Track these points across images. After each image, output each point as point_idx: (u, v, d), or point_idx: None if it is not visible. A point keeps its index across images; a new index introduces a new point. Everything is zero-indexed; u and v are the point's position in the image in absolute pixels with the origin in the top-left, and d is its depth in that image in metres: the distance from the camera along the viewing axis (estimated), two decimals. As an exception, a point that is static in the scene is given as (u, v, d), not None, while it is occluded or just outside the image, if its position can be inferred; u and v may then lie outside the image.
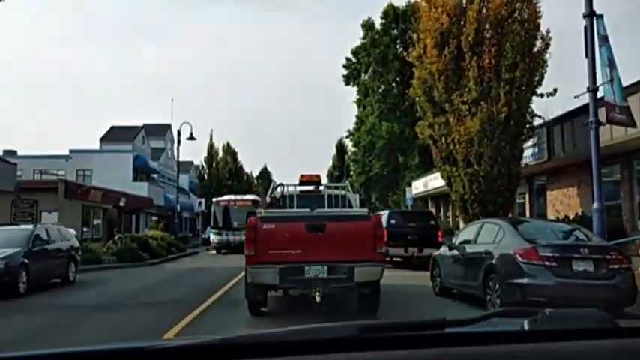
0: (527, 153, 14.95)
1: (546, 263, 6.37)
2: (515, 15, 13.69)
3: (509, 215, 15.64)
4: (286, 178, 78.56)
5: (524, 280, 6.45)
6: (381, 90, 40.45)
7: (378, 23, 40.23)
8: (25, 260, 10.46)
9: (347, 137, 43.74)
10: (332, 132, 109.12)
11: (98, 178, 34.59)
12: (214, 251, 25.92)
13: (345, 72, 42.96)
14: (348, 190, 9.28)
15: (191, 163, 52.80)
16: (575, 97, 10.01)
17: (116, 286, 11.81)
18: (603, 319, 1.19)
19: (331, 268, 6.68)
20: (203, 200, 37.82)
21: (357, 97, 42.78)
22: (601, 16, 9.62)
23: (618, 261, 6.54)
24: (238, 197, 28.35)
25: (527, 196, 18.77)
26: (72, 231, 17.10)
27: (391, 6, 40.15)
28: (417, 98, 15.17)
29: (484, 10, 13.59)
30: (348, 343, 1.02)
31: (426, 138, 14.92)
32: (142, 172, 40.76)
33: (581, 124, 13.26)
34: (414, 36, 15.84)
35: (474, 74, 13.31)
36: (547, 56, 13.72)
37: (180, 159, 33.51)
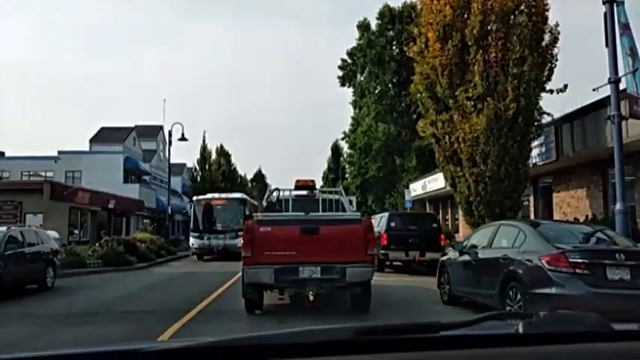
0: (533, 153, 14.22)
1: (577, 271, 5.61)
2: (522, 7, 12.99)
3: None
4: (281, 181, 77.75)
5: (552, 290, 5.67)
6: (377, 91, 39.78)
7: (373, 24, 39.56)
8: (-4, 265, 9.60)
9: (342, 139, 43.00)
10: (327, 134, 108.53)
11: (88, 180, 33.63)
12: (196, 257, 22.47)
13: (340, 73, 42.36)
14: (342, 195, 9.63)
15: (184, 165, 51.90)
16: (593, 90, 9.28)
17: (95, 294, 10.93)
18: (598, 322, 1.21)
19: (324, 268, 6.99)
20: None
21: (353, 98, 42.08)
22: (622, 3, 8.93)
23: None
24: (223, 195, 24.86)
25: (531, 198, 18.05)
26: (53, 233, 16.20)
27: (387, 7, 39.49)
28: (419, 95, 14.43)
29: (490, 2, 12.87)
30: (343, 346, 1.02)
31: (427, 137, 14.17)
32: (132, 173, 39.81)
33: (593, 121, 12.59)
34: (415, 30, 15.10)
35: (480, 69, 12.59)
36: (556, 51, 13.03)
37: (173, 161, 32.62)
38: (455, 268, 8.07)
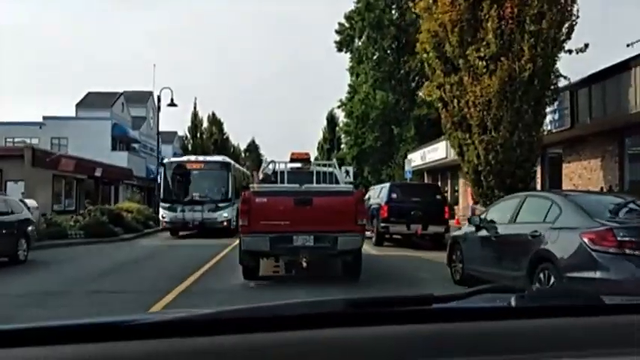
0: (545, 120, 13.20)
1: (626, 251, 4.68)
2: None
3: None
4: (274, 151, 76.52)
5: (596, 274, 4.74)
6: (375, 57, 38.32)
7: (373, -14, 37.74)
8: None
9: (339, 107, 41.71)
10: (322, 103, 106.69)
11: (74, 147, 32.38)
12: (169, 234, 18.45)
13: (337, 38, 40.73)
14: (335, 167, 10.01)
15: (175, 133, 50.53)
16: (628, 46, 8.18)
17: (71, 268, 10.00)
18: (590, 296, 1.30)
19: (317, 237, 7.37)
20: None
21: (350, 64, 40.61)
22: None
23: None
24: (201, 158, 20.52)
25: (538, 169, 17.10)
26: (32, 202, 15.15)
27: (387, -32, 37.65)
28: (424, 55, 13.26)
29: (505, -48, 11.58)
30: (332, 319, 1.01)
31: (434, 101, 13.08)
32: (121, 141, 38.51)
33: (615, 85, 11.54)
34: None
35: (494, 25, 11.42)
36: (576, 7, 11.85)
37: (164, 129, 31.37)
38: (470, 245, 7.15)
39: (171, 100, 28.90)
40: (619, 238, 4.73)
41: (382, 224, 13.52)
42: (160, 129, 30.52)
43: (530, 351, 0.96)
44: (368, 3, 37.49)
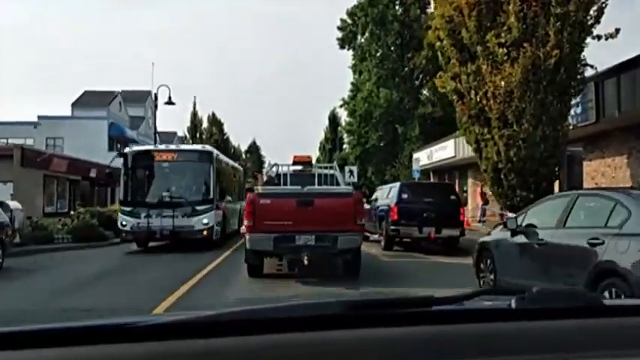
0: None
1: None
2: None
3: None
4: (276, 153, 75.58)
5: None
6: (378, 54, 37.29)
7: (376, -19, 36.71)
8: None
9: (341, 106, 40.65)
10: (323, 103, 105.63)
11: (70, 147, 31.39)
12: (135, 246, 13.73)
13: (339, 35, 39.71)
14: (336, 169, 10.34)
15: (174, 133, 49.51)
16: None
17: (45, 278, 8.97)
18: (590, 298, 1.28)
19: (318, 237, 7.68)
20: None
21: (353, 62, 39.59)
22: None
23: None
24: (173, 146, 16.32)
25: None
26: (15, 204, 14.11)
27: (391, -37, 36.64)
28: (438, 43, 12.23)
29: None
30: (331, 321, 1.00)
31: (449, 92, 12.02)
32: (118, 141, 37.45)
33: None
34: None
35: (516, 8, 10.40)
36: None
37: (163, 129, 30.35)
38: (504, 253, 6.10)
39: (169, 97, 27.77)
40: None
41: (392, 227, 12.47)
42: (160, 129, 29.47)
43: (531, 353, 0.96)
44: (371, -2, 36.55)
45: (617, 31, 10.84)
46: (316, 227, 7.67)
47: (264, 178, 10.53)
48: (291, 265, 8.81)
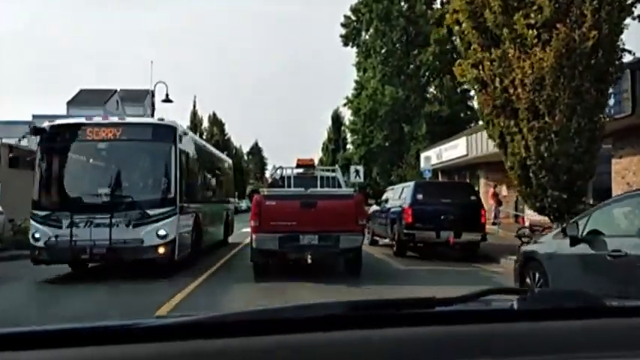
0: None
1: None
2: None
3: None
4: (278, 154, 74.46)
5: None
6: (383, 51, 36.19)
7: (381, -25, 35.57)
8: None
9: (345, 105, 39.48)
10: (325, 103, 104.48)
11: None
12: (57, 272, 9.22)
13: (343, 32, 38.61)
14: (338, 172, 10.80)
15: (174, 133, 48.51)
16: None
17: (5, 291, 7.80)
18: (592, 298, 1.26)
19: (321, 236, 8.07)
20: None
21: (357, 59, 38.50)
22: None
23: None
24: (116, 119, 10.04)
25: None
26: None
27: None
28: (457, 27, 11.05)
29: None
30: (334, 321, 1.00)
31: (470, 82, 10.84)
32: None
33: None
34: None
35: (547, -15, 9.23)
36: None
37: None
38: (561, 266, 4.93)
39: (167, 95, 26.70)
40: None
41: (406, 231, 11.30)
42: (156, 128, 28.33)
43: (532, 353, 0.96)
44: (375, -7, 35.44)
45: (661, 10, 9.65)
46: (319, 227, 8.05)
47: (269, 180, 11.12)
48: (295, 264, 9.01)
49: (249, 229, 8.84)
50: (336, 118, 52.01)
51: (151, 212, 8.71)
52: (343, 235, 8.06)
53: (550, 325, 1.03)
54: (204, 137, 45.81)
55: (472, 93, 10.86)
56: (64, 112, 36.16)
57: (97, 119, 9.77)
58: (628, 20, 9.66)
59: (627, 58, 10.38)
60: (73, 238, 8.42)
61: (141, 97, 41.99)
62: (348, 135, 42.82)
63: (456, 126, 31.11)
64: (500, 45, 9.94)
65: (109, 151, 9.25)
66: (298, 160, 10.36)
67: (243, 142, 74.43)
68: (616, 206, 4.90)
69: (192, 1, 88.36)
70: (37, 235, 8.73)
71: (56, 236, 8.50)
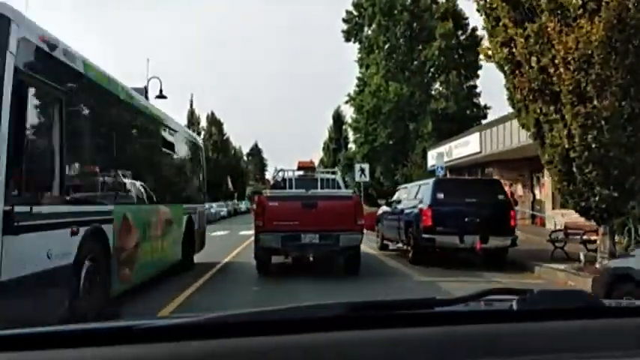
0: None
1: None
2: None
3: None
4: (278, 155, 73.09)
5: None
6: (387, 46, 34.81)
7: (384, -32, 34.18)
8: None
9: (347, 102, 38.05)
10: (326, 103, 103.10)
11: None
12: None
13: (345, 27, 37.24)
14: (337, 174, 11.38)
15: (171, 133, 47.17)
16: None
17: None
18: (590, 299, 1.25)
19: (322, 235, 8.50)
20: None
21: (359, 55, 37.08)
22: None
23: None
24: None
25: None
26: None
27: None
28: (482, 2, 9.62)
29: None
30: (334, 322, 1.00)
31: (499, 63, 9.39)
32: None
33: None
34: None
35: (594, -54, 7.82)
36: None
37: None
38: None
39: (160, 91, 25.25)
40: None
41: (425, 235, 9.87)
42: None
43: (532, 354, 0.96)
44: (378, -14, 34.06)
45: None
46: (320, 227, 8.41)
47: (271, 182, 11.82)
48: (296, 261, 9.65)
49: (248, 232, 9.91)
50: (338, 117, 50.72)
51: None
52: (343, 234, 8.43)
53: (550, 325, 1.03)
54: (202, 137, 44.52)
55: (501, 75, 9.37)
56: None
57: None
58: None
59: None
60: None
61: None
62: (350, 133, 41.45)
63: (463, 123, 29.75)
64: (536, 19, 8.52)
65: None
66: (299, 162, 10.91)
67: (242, 143, 73.05)
68: None
69: (192, 2, 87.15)
70: None
71: None
